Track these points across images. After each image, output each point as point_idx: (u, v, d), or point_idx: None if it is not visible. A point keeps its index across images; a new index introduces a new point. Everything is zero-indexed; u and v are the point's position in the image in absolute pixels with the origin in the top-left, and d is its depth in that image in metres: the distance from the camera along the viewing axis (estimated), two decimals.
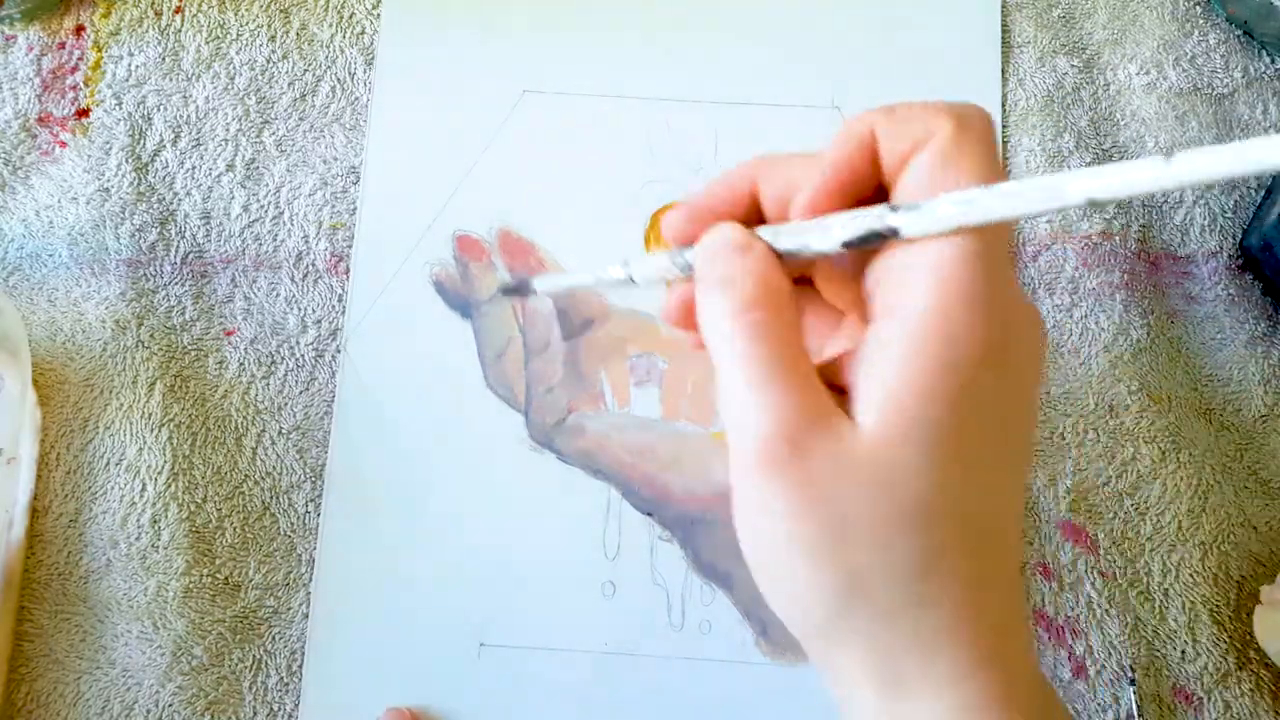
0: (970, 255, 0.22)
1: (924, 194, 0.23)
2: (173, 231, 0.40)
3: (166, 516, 0.37)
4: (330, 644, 0.37)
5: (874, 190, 0.25)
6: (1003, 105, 0.42)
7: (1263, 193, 0.41)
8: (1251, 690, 0.36)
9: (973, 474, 0.23)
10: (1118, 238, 0.40)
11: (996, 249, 0.23)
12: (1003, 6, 0.42)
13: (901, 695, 0.24)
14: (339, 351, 0.39)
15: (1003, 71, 0.42)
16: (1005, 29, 0.42)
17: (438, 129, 0.41)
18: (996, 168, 0.23)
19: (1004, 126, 0.41)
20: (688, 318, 0.27)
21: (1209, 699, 0.36)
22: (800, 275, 0.27)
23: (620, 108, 0.41)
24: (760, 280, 0.25)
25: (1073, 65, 0.42)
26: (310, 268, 0.40)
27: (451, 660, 0.37)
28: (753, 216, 0.27)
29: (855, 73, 0.42)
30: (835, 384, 0.25)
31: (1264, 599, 0.36)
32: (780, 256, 0.25)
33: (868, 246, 0.24)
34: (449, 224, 0.40)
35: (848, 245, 0.24)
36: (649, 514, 0.38)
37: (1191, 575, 0.37)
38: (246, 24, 0.42)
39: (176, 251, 0.40)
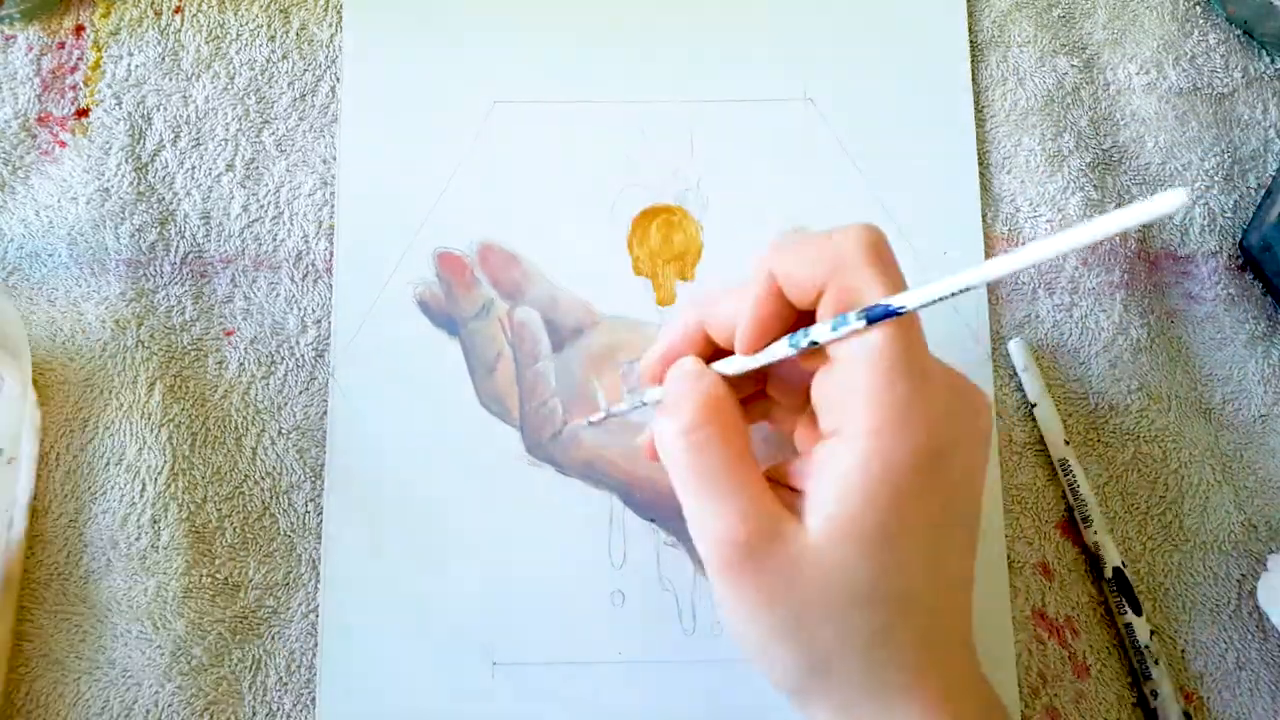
0: (890, 373, 0.26)
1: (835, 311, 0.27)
2: (172, 231, 0.40)
3: (166, 516, 0.37)
4: (344, 670, 0.36)
5: (801, 314, 0.29)
6: (975, 98, 0.42)
7: (1263, 193, 0.41)
8: (1251, 690, 0.36)
9: (911, 559, 0.27)
10: (1117, 238, 0.40)
11: (912, 357, 0.26)
12: (989, 2, 0.42)
13: None
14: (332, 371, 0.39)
15: (1003, 71, 0.42)
16: (1003, 28, 0.42)
17: (409, 147, 0.40)
18: (896, 276, 0.27)
19: (1001, 126, 0.41)
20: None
21: (1209, 699, 0.36)
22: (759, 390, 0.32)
23: (593, 113, 0.41)
24: (704, 402, 0.29)
25: (1073, 65, 0.42)
26: (310, 268, 0.40)
27: (466, 682, 0.36)
28: (708, 352, 0.31)
29: (826, 63, 0.42)
30: (793, 486, 0.28)
31: (1270, 566, 0.36)
32: (733, 381, 0.30)
33: (794, 355, 0.28)
34: (429, 242, 0.40)
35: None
36: (652, 520, 0.38)
37: (1191, 575, 0.37)
38: (246, 24, 0.42)
39: (176, 251, 0.40)
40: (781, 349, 0.28)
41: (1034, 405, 0.38)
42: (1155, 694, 0.35)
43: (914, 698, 0.27)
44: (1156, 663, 0.36)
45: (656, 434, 0.30)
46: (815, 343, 0.27)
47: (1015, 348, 0.39)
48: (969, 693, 0.28)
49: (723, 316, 0.30)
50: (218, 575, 0.37)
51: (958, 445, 0.27)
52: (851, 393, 0.26)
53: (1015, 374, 0.39)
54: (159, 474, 0.37)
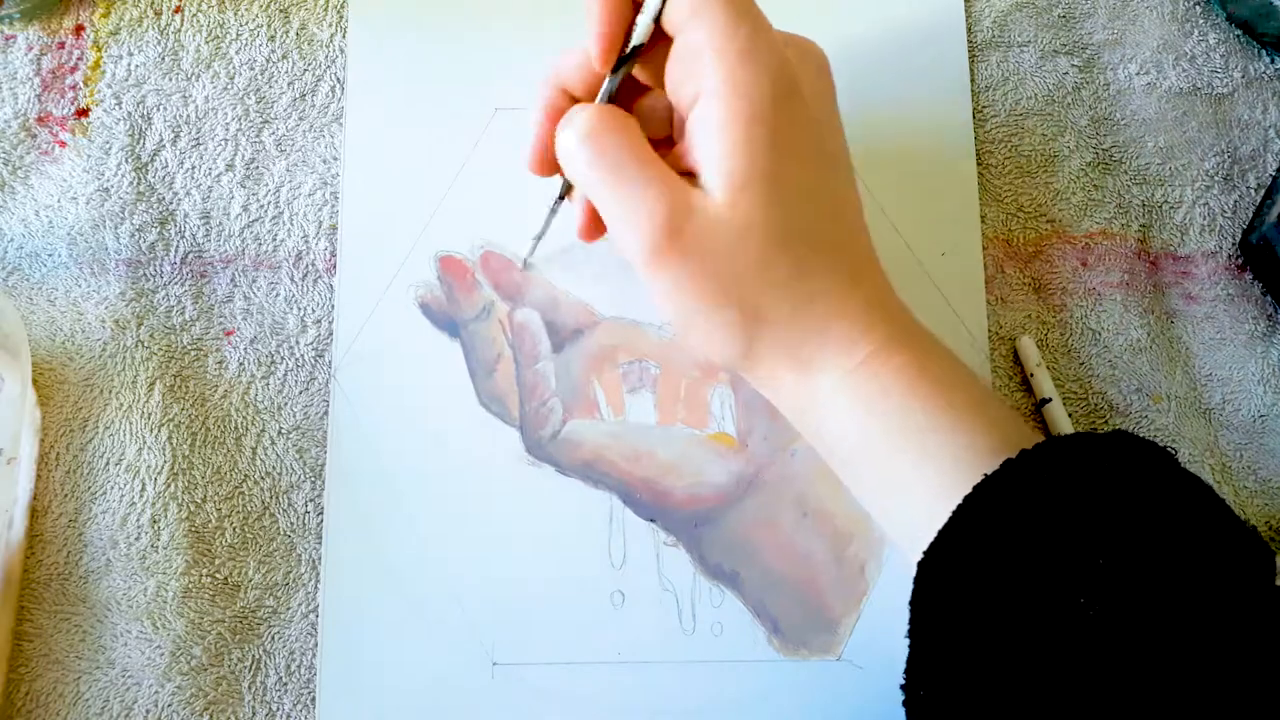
0: (725, 29, 0.28)
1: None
2: (172, 231, 0.40)
3: (166, 516, 0.37)
4: (344, 670, 0.36)
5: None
6: (975, 98, 0.42)
7: (1263, 193, 0.41)
8: None
9: (804, 193, 0.30)
10: (1117, 237, 0.40)
11: (745, 6, 0.29)
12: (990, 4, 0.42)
13: (812, 372, 0.31)
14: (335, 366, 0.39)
15: (1003, 71, 0.42)
16: (1003, 28, 0.42)
17: (412, 152, 0.41)
18: None
19: (1001, 126, 0.41)
20: (592, 225, 0.35)
21: None
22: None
23: None
24: (595, 111, 0.30)
25: (1073, 65, 0.42)
26: (310, 268, 0.40)
27: (466, 682, 0.36)
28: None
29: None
30: (684, 171, 0.30)
31: None
32: (616, 103, 0.32)
33: (642, 50, 0.30)
34: (431, 246, 0.40)
35: (625, 59, 0.30)
36: (652, 520, 0.38)
37: None
38: (246, 24, 0.42)
39: (176, 251, 0.40)
40: (639, 34, 0.30)
41: (1048, 400, 0.38)
42: None
43: (840, 316, 0.30)
44: None
45: (560, 151, 0.31)
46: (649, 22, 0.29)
47: (1026, 346, 0.39)
48: (887, 303, 0.32)
49: (574, 64, 0.32)
50: (217, 575, 0.37)
51: (804, 77, 0.30)
52: (700, 54, 0.28)
53: (1014, 375, 0.39)
54: (159, 474, 0.37)
